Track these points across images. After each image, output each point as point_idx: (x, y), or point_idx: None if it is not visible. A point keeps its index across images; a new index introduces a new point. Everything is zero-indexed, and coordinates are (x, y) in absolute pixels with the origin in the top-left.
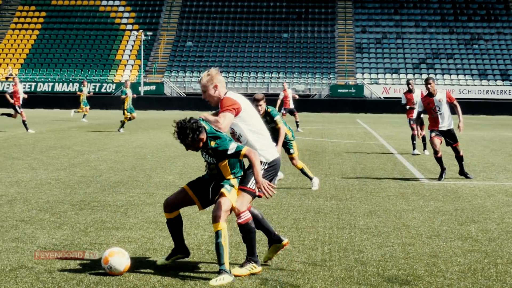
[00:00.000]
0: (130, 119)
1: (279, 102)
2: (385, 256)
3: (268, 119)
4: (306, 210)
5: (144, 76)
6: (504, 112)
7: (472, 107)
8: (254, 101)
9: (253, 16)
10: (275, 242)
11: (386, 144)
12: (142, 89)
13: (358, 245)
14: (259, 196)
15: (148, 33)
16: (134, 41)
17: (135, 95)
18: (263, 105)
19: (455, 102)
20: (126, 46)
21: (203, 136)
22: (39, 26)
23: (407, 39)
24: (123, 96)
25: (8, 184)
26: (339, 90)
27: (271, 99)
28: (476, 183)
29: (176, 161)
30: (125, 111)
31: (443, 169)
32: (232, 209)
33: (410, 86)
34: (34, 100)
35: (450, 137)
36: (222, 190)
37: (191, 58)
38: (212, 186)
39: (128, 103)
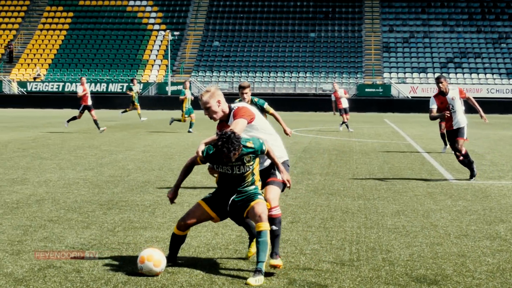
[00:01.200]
0: (190, 122)
1: (333, 104)
2: (413, 256)
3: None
4: (334, 210)
5: (171, 76)
6: None
7: (500, 106)
8: (240, 88)
9: (280, 15)
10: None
11: (413, 144)
12: (169, 89)
13: (386, 244)
14: (288, 187)
15: (175, 33)
16: (161, 41)
17: (192, 97)
18: (248, 93)
19: (467, 95)
20: (153, 46)
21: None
22: (66, 26)
23: (435, 38)
24: (182, 97)
25: (37, 184)
26: (366, 90)
27: (298, 98)
28: (505, 182)
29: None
30: (183, 113)
31: (470, 164)
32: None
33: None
34: (62, 100)
35: (456, 132)
36: (259, 197)
37: (218, 58)
38: (235, 198)
39: (186, 104)
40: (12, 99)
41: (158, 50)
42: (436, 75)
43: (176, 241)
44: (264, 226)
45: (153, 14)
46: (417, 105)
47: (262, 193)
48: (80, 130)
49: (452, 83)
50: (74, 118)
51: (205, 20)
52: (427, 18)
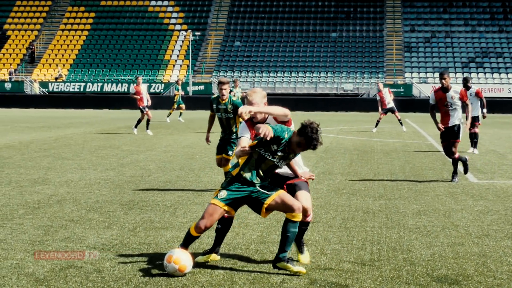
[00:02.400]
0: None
1: (379, 104)
2: (434, 256)
3: (231, 108)
4: (355, 210)
5: (192, 76)
6: None
7: None
8: (219, 84)
9: (301, 15)
10: (214, 252)
11: (435, 144)
12: (190, 89)
13: (407, 244)
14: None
15: (197, 33)
16: (183, 41)
17: (244, 93)
18: (227, 89)
19: (468, 102)
20: (174, 46)
21: None
22: (88, 26)
23: (456, 38)
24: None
25: (58, 184)
26: None
27: (319, 98)
28: None
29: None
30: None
31: (464, 161)
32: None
33: (468, 84)
34: (83, 101)
35: (452, 132)
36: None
37: (239, 58)
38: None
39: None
40: (33, 99)
41: (179, 50)
42: (458, 75)
43: (191, 239)
44: (299, 216)
45: (175, 15)
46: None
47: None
48: (101, 130)
49: (474, 83)
50: (141, 121)
51: (226, 20)
52: (448, 18)
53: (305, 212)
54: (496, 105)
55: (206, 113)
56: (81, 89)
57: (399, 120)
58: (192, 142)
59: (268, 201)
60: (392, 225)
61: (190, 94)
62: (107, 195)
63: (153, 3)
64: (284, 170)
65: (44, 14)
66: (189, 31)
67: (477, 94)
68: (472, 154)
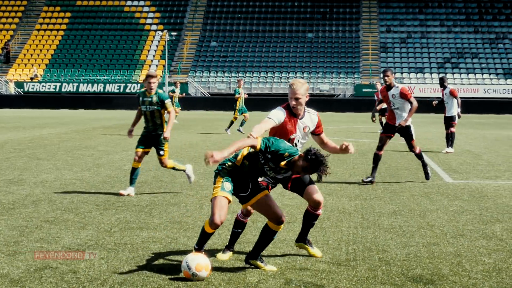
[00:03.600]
0: (242, 121)
1: (376, 104)
2: (410, 256)
3: (156, 100)
4: (331, 210)
5: (168, 76)
6: None
7: (497, 106)
8: (148, 77)
9: (277, 16)
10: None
11: None
12: (166, 89)
13: (383, 244)
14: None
15: (173, 33)
16: (159, 41)
17: (246, 95)
18: (156, 82)
19: (412, 100)
20: (150, 46)
21: None
22: (64, 26)
23: (432, 39)
24: (237, 96)
25: (33, 185)
26: (363, 90)
27: None
28: (501, 182)
29: (200, 161)
30: (236, 111)
31: (373, 169)
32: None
33: (444, 83)
34: (59, 101)
35: (404, 134)
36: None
37: (216, 58)
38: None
39: (240, 103)
40: (9, 99)
41: (155, 50)
42: (434, 75)
43: (207, 238)
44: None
45: (151, 15)
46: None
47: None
48: (77, 130)
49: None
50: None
51: (202, 20)
52: (424, 19)
53: (318, 205)
54: (472, 106)
55: (182, 114)
56: (57, 89)
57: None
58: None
59: (254, 200)
60: (367, 225)
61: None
62: (82, 195)
63: (129, 3)
64: None
65: (19, 14)
66: (165, 31)
67: (452, 93)
68: (446, 154)
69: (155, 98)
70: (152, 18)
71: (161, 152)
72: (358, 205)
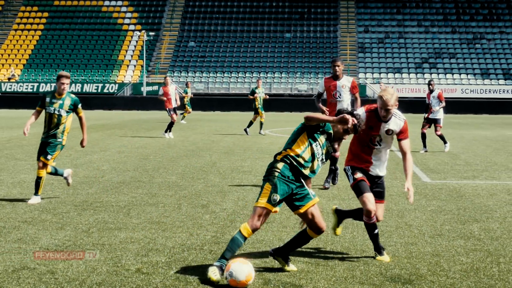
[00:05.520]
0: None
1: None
2: (388, 256)
3: (69, 103)
4: None
5: (146, 77)
6: (506, 111)
7: (474, 106)
8: (61, 77)
9: (255, 16)
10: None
11: None
12: (144, 89)
13: (361, 244)
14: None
15: (151, 33)
16: (137, 41)
17: (267, 96)
18: (68, 83)
19: (357, 95)
20: (128, 47)
21: None
22: (41, 26)
23: (410, 39)
24: (251, 97)
25: (11, 185)
26: None
27: (274, 99)
28: (479, 182)
29: (178, 161)
30: (258, 110)
31: (335, 170)
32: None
33: (431, 86)
34: (37, 101)
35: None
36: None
37: (194, 58)
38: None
39: (258, 103)
40: None
41: (133, 51)
42: (411, 75)
43: (239, 245)
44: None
45: (129, 15)
46: None
47: None
48: None
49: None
50: (171, 124)
51: (180, 21)
52: (402, 19)
53: (368, 214)
54: (449, 106)
55: (160, 113)
56: (34, 89)
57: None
58: (145, 143)
59: (304, 209)
60: (346, 225)
61: (144, 94)
62: (60, 196)
63: (106, 3)
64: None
65: None
66: (143, 31)
67: (439, 97)
68: (425, 155)
69: (67, 102)
70: (130, 18)
71: (49, 157)
72: (337, 205)
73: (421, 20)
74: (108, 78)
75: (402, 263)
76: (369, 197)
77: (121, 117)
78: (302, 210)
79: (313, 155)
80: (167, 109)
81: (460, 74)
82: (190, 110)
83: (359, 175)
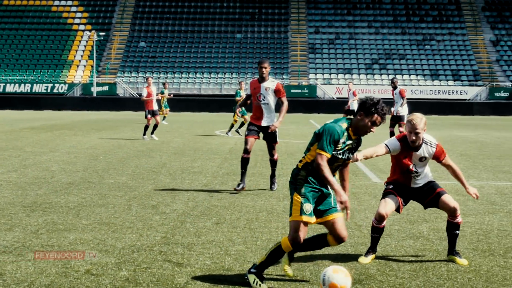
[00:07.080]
0: (242, 123)
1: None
2: (338, 256)
3: None
4: (259, 210)
5: (96, 77)
6: (455, 112)
7: (424, 107)
8: None
9: (206, 16)
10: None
11: None
12: (94, 89)
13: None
14: None
15: (101, 33)
16: (87, 41)
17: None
18: None
19: (283, 99)
20: (78, 47)
21: None
22: None
23: (360, 40)
24: (238, 98)
25: None
26: (292, 91)
27: (224, 99)
28: None
29: (128, 162)
30: (236, 113)
31: (242, 174)
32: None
33: (393, 84)
34: None
35: (269, 134)
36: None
37: (144, 59)
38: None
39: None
40: None
41: (83, 51)
42: (362, 76)
43: (280, 257)
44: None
45: (79, 14)
46: (343, 105)
47: None
48: (3, 131)
49: (377, 84)
50: (147, 127)
51: (131, 21)
52: (352, 20)
53: (454, 212)
54: None
55: (110, 114)
56: None
57: None
58: (95, 143)
59: (331, 217)
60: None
61: (94, 94)
62: (9, 196)
63: (56, 2)
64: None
65: None
66: (93, 31)
67: (401, 93)
68: None
69: None
70: (80, 18)
71: None
72: (287, 206)
73: (371, 21)
74: (58, 78)
75: (351, 263)
76: (388, 202)
77: (71, 118)
78: (325, 220)
79: (333, 159)
80: (147, 110)
81: (410, 75)
82: (167, 111)
83: (391, 187)
